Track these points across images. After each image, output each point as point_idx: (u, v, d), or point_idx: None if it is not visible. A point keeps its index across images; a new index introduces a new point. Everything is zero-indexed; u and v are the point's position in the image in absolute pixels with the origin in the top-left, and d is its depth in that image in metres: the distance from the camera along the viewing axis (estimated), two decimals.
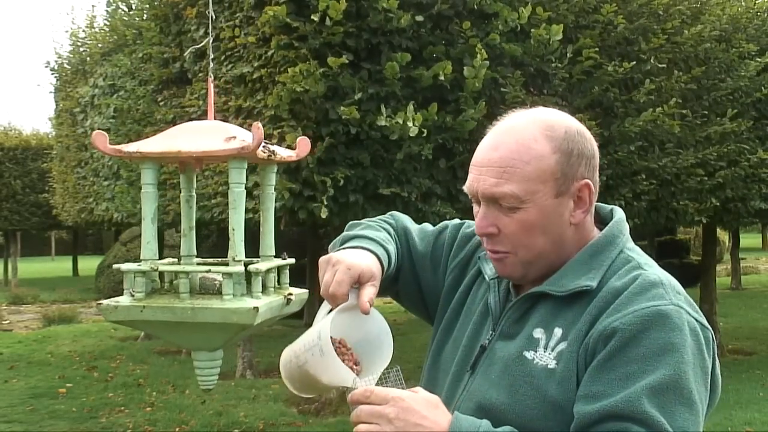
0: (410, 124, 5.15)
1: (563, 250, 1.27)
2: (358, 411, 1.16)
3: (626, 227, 1.33)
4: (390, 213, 1.57)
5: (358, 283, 1.27)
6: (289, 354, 1.30)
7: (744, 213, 7.73)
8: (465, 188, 1.29)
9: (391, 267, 1.39)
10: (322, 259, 1.31)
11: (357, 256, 1.30)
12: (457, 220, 1.55)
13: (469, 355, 1.32)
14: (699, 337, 1.16)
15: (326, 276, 1.27)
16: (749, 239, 34.25)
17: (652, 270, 1.23)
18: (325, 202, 5.18)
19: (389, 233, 1.47)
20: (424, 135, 5.35)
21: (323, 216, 5.19)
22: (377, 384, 1.21)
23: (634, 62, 6.40)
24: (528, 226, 1.24)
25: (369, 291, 1.26)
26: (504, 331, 1.28)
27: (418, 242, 1.51)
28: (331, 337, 1.22)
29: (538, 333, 1.23)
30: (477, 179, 1.26)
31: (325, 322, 1.24)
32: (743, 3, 7.95)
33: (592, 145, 1.28)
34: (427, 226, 1.56)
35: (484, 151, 1.27)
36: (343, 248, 1.36)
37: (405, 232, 1.52)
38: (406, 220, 1.56)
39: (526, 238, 1.25)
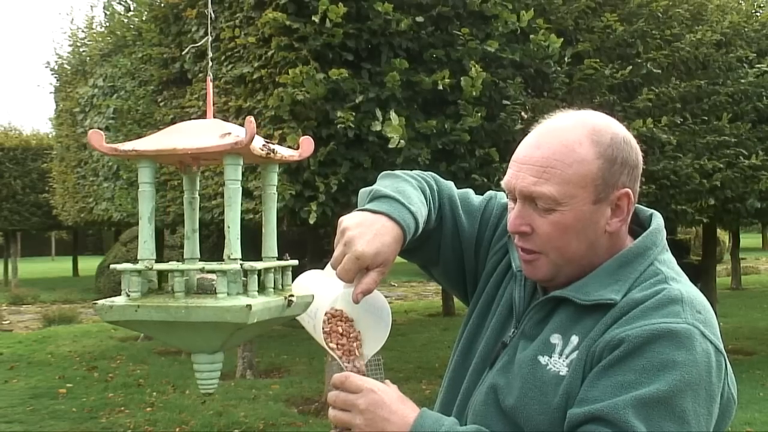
0: (394, 135, 5.09)
1: (595, 256, 1.25)
2: (333, 396, 1.21)
3: (662, 236, 1.29)
4: (431, 174, 1.46)
5: (366, 268, 1.23)
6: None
7: (744, 213, 7.73)
8: (503, 183, 1.27)
9: (417, 233, 1.31)
10: (340, 224, 1.25)
11: (372, 237, 1.22)
12: (503, 196, 1.45)
13: (491, 351, 1.31)
14: (710, 360, 1.14)
15: (336, 251, 1.23)
16: (749, 239, 34.24)
17: (678, 286, 1.20)
18: (314, 208, 5.19)
19: (425, 195, 1.37)
20: (416, 140, 5.33)
21: (311, 221, 5.22)
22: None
23: (631, 67, 6.40)
24: (562, 229, 1.22)
25: (369, 280, 1.22)
26: (526, 332, 1.27)
27: (465, 219, 1.43)
28: (331, 310, 1.27)
29: (555, 339, 1.21)
30: (516, 175, 1.23)
31: (324, 301, 1.26)
32: (743, 6, 7.94)
33: (637, 154, 1.25)
34: (472, 198, 1.48)
35: (526, 148, 1.25)
36: (367, 209, 1.27)
37: (451, 203, 1.44)
38: (451, 187, 1.47)
39: (558, 241, 1.22)
